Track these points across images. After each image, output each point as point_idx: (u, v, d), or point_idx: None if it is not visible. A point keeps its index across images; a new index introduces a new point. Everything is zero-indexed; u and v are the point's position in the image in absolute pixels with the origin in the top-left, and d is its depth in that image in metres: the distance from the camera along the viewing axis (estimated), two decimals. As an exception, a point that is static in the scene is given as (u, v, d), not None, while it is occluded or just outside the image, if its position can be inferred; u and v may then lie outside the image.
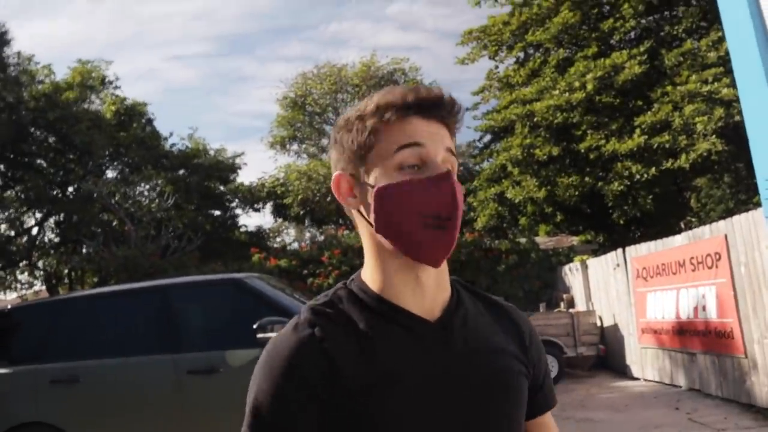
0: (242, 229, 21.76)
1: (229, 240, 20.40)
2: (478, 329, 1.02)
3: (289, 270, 13.07)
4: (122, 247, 13.55)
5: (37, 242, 19.15)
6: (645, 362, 9.18)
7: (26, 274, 19.94)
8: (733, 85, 9.09)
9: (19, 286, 20.06)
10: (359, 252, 1.03)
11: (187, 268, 12.73)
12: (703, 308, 7.51)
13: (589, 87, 13.79)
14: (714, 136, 12.15)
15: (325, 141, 23.37)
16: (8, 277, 19.76)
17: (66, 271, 18.85)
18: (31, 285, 20.08)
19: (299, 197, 19.43)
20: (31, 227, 19.08)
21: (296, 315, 0.98)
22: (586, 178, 14.15)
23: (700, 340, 7.63)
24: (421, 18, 49.97)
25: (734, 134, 11.64)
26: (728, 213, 15.05)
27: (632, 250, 9.49)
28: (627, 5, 14.47)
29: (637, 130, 13.22)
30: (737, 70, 5.97)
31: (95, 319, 5.50)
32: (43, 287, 19.46)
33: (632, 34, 15.28)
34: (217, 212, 21.13)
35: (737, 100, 7.53)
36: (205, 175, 20.07)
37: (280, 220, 23.46)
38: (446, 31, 55.10)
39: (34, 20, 46.72)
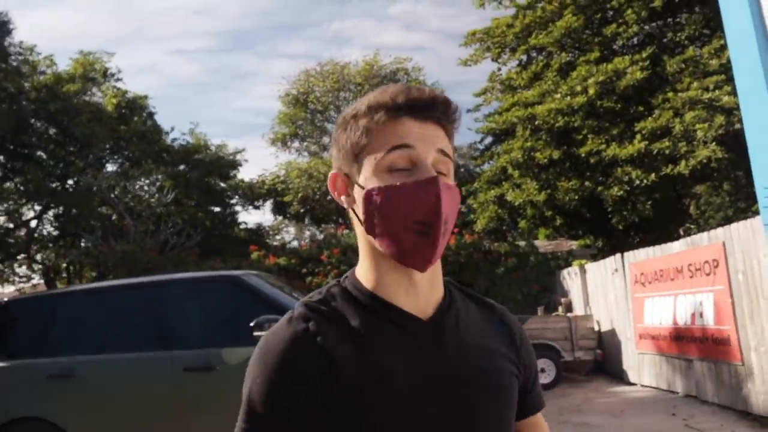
0: (242, 227, 21.76)
1: (229, 237, 20.40)
2: (470, 329, 1.02)
3: (288, 268, 13.06)
4: (121, 242, 13.53)
5: (36, 235, 19.13)
6: (642, 368, 9.19)
7: (24, 267, 19.93)
8: (734, 93, 9.10)
9: (17, 279, 20.05)
10: (358, 251, 1.03)
11: (185, 265, 12.72)
12: (701, 315, 7.52)
13: (591, 91, 13.81)
14: (714, 143, 12.17)
15: (326, 139, 23.37)
16: (6, 270, 19.74)
17: (64, 264, 18.83)
18: (29, 278, 20.08)
19: (299, 195, 19.44)
20: (30, 220, 19.07)
21: (290, 310, 0.99)
22: (586, 183, 14.16)
23: (697, 347, 7.64)
24: (425, 18, 50.00)
25: (734, 142, 11.65)
26: (727, 221, 15.07)
27: (631, 256, 9.50)
28: (630, 11, 14.48)
29: (638, 136, 13.23)
30: (738, 79, 5.98)
31: (92, 314, 5.48)
32: (42, 281, 19.45)
33: (635, 39, 15.30)
34: (217, 209, 21.13)
35: (738, 108, 7.54)
36: (206, 171, 20.06)
37: (279, 217, 23.48)
38: (450, 32, 55.15)
39: (36, 10, 46.70)
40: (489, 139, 18.22)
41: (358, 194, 0.97)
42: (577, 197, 14.22)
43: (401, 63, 22.58)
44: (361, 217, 0.97)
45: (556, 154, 14.36)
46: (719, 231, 7.29)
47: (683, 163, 12.48)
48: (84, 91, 18.40)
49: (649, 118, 13.31)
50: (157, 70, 54.70)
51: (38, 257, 19.63)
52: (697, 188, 16.44)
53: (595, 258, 13.62)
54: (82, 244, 15.86)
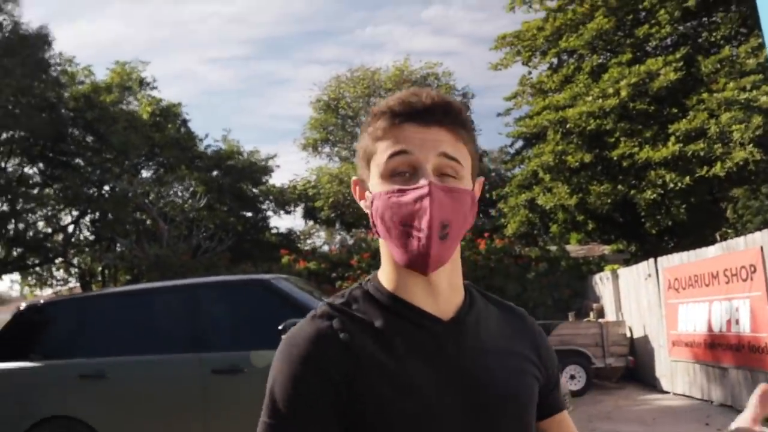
0: (273, 231, 21.96)
1: (260, 241, 20.61)
2: (490, 331, 1.03)
3: (318, 272, 13.15)
4: (154, 246, 13.79)
5: (73, 240, 19.61)
6: (675, 375, 8.99)
7: (62, 270, 20.44)
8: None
9: (54, 282, 20.56)
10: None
11: (217, 269, 12.91)
12: (737, 322, 7.34)
13: (623, 94, 13.60)
14: (751, 144, 11.88)
15: (356, 144, 23.44)
16: (44, 273, 20.27)
17: (100, 268, 19.25)
18: (66, 282, 20.57)
19: (330, 200, 19.54)
20: (68, 225, 19.56)
21: (313, 310, 1.00)
22: (619, 186, 13.94)
23: (732, 355, 7.45)
24: (456, 22, 49.85)
25: (773, 144, 11.39)
26: (766, 225, 14.69)
27: (664, 261, 9.32)
28: (663, 11, 14.24)
29: (672, 138, 12.99)
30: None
31: (124, 316, 5.60)
32: (78, 284, 19.91)
33: (668, 40, 15.04)
34: (249, 214, 21.37)
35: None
36: (238, 177, 20.32)
37: (310, 222, 23.62)
38: (481, 36, 54.92)
39: (75, 21, 47.89)
40: (520, 143, 18.06)
41: (369, 199, 1.00)
42: (609, 201, 14.01)
43: (432, 68, 22.57)
44: (371, 221, 0.99)
45: (587, 158, 14.18)
46: (756, 235, 7.11)
47: (719, 165, 12.21)
48: (120, 100, 18.84)
49: (684, 120, 13.06)
50: (191, 77, 55.58)
51: (75, 261, 20.11)
52: (734, 191, 16.03)
53: (627, 263, 13.40)
54: (117, 249, 16.19)
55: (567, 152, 14.50)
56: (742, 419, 0.83)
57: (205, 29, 52.79)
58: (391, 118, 0.97)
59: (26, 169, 18.86)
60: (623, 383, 10.01)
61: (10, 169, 18.18)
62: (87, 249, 19.41)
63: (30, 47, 16.21)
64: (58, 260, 19.64)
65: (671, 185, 12.85)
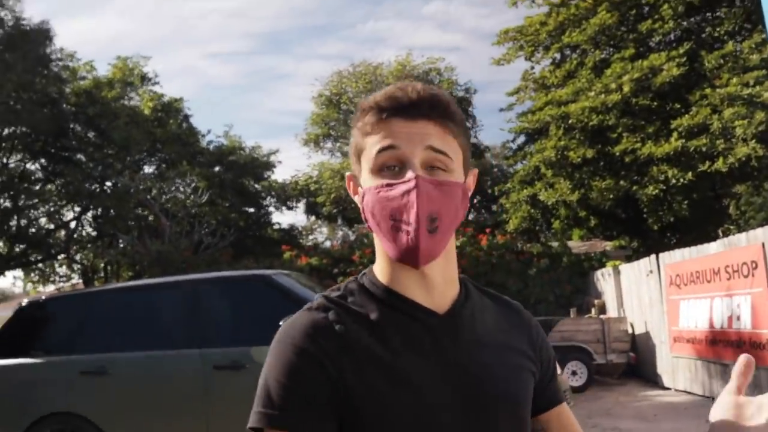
0: (275, 227, 21.97)
1: (262, 237, 20.64)
2: (486, 324, 1.03)
3: (319, 268, 13.16)
4: (156, 242, 13.81)
5: (75, 236, 19.64)
6: (677, 372, 8.99)
7: (64, 267, 20.48)
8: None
9: (57, 278, 20.61)
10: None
11: (219, 265, 12.92)
12: (738, 318, 7.33)
13: (626, 89, 13.57)
14: (754, 140, 11.85)
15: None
16: (47, 269, 20.31)
17: (102, 264, 19.30)
18: (68, 278, 20.61)
19: (332, 196, 19.53)
20: (70, 221, 19.59)
21: (309, 302, 1.00)
22: (621, 182, 13.92)
23: (733, 351, 7.44)
24: (458, 17, 49.81)
25: (776, 139, 11.35)
26: (769, 220, 14.69)
27: (666, 257, 9.30)
28: (666, 6, 14.20)
29: (674, 134, 12.96)
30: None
31: (125, 312, 5.60)
32: (80, 280, 19.95)
33: (672, 35, 14.99)
34: (251, 209, 21.38)
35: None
36: (240, 172, 20.33)
37: (312, 218, 23.63)
38: (483, 31, 54.83)
39: (77, 17, 47.88)
40: (522, 139, 18.04)
41: (361, 194, 1.00)
42: (611, 197, 13.99)
43: (434, 63, 22.52)
44: (363, 216, 1.00)
45: (589, 153, 14.15)
46: (758, 231, 7.09)
47: (721, 160, 12.18)
48: (122, 96, 18.84)
49: (686, 116, 13.03)
50: (193, 73, 55.64)
51: (77, 257, 20.15)
52: (737, 188, 16.02)
53: (630, 259, 13.38)
54: (120, 245, 16.21)
55: (569, 148, 14.48)
56: (726, 391, 0.84)
57: (207, 24, 52.79)
58: (378, 113, 0.97)
59: (28, 165, 18.90)
60: (624, 379, 10.01)
61: (12, 165, 18.20)
62: (89, 245, 19.45)
63: (31, 42, 16.21)
64: (61, 256, 19.68)
65: (673, 181, 12.83)
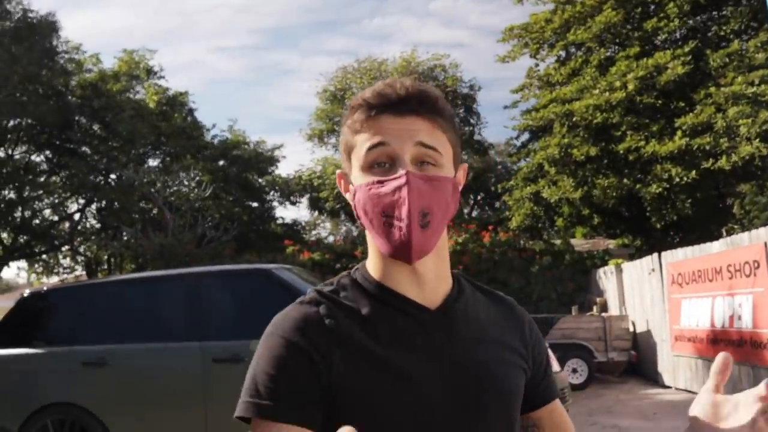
0: (278, 222, 22.00)
1: (265, 232, 20.66)
2: (479, 320, 1.03)
3: (322, 263, 13.18)
4: (160, 235, 13.84)
5: (79, 228, 19.71)
6: (677, 370, 8.99)
7: (68, 258, 20.55)
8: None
9: (61, 270, 20.69)
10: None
11: (222, 258, 12.95)
12: (739, 317, 7.32)
13: (630, 87, 13.53)
14: (758, 139, 11.81)
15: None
16: (51, 261, 20.38)
17: (106, 256, 19.35)
18: (72, 269, 20.69)
19: (335, 191, 19.53)
20: (74, 213, 19.66)
21: (301, 296, 1.01)
22: (624, 180, 13.89)
23: (734, 350, 7.42)
24: (464, 14, 49.70)
25: (780, 139, 11.31)
26: (773, 220, 14.63)
27: (668, 256, 9.29)
28: (672, 4, 14.14)
29: (678, 132, 12.92)
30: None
31: (126, 304, 5.63)
32: (84, 272, 20.03)
33: (677, 34, 14.94)
34: (255, 204, 21.40)
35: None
36: (244, 167, 20.34)
37: (315, 213, 23.64)
38: (489, 28, 54.78)
39: (84, 10, 47.93)
40: (526, 136, 18.02)
41: (352, 192, 1.00)
42: (614, 195, 13.96)
43: (439, 59, 22.45)
44: (355, 213, 1.00)
45: (593, 151, 14.12)
46: (761, 231, 7.08)
47: (724, 158, 12.15)
48: (127, 89, 18.86)
49: (690, 114, 12.99)
50: (198, 67, 55.67)
51: (81, 249, 20.21)
52: (741, 187, 15.97)
53: (632, 258, 13.36)
54: (123, 237, 16.27)
55: (573, 145, 14.45)
56: (705, 389, 0.84)
57: (213, 19, 52.79)
58: (367, 110, 0.97)
59: (33, 157, 18.97)
60: (625, 377, 10.02)
61: (17, 157, 18.27)
62: (93, 237, 19.51)
63: (38, 35, 16.25)
64: (65, 248, 19.75)
65: (677, 179, 12.80)
